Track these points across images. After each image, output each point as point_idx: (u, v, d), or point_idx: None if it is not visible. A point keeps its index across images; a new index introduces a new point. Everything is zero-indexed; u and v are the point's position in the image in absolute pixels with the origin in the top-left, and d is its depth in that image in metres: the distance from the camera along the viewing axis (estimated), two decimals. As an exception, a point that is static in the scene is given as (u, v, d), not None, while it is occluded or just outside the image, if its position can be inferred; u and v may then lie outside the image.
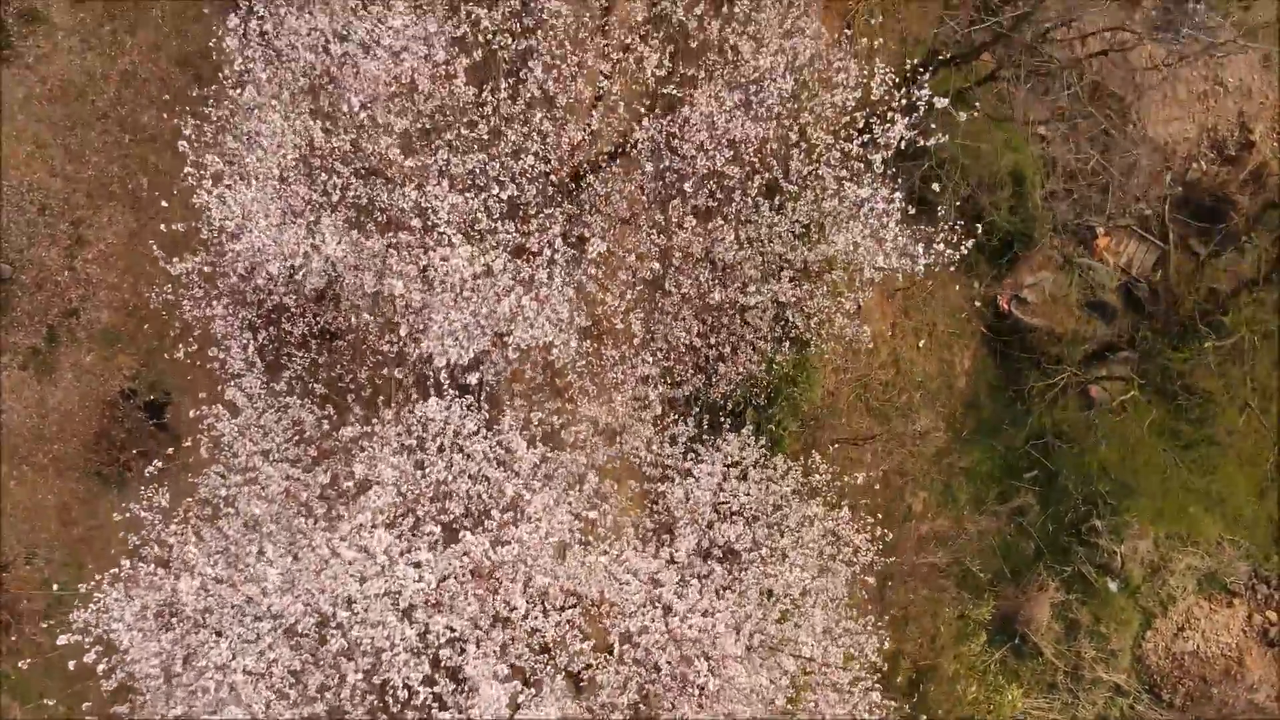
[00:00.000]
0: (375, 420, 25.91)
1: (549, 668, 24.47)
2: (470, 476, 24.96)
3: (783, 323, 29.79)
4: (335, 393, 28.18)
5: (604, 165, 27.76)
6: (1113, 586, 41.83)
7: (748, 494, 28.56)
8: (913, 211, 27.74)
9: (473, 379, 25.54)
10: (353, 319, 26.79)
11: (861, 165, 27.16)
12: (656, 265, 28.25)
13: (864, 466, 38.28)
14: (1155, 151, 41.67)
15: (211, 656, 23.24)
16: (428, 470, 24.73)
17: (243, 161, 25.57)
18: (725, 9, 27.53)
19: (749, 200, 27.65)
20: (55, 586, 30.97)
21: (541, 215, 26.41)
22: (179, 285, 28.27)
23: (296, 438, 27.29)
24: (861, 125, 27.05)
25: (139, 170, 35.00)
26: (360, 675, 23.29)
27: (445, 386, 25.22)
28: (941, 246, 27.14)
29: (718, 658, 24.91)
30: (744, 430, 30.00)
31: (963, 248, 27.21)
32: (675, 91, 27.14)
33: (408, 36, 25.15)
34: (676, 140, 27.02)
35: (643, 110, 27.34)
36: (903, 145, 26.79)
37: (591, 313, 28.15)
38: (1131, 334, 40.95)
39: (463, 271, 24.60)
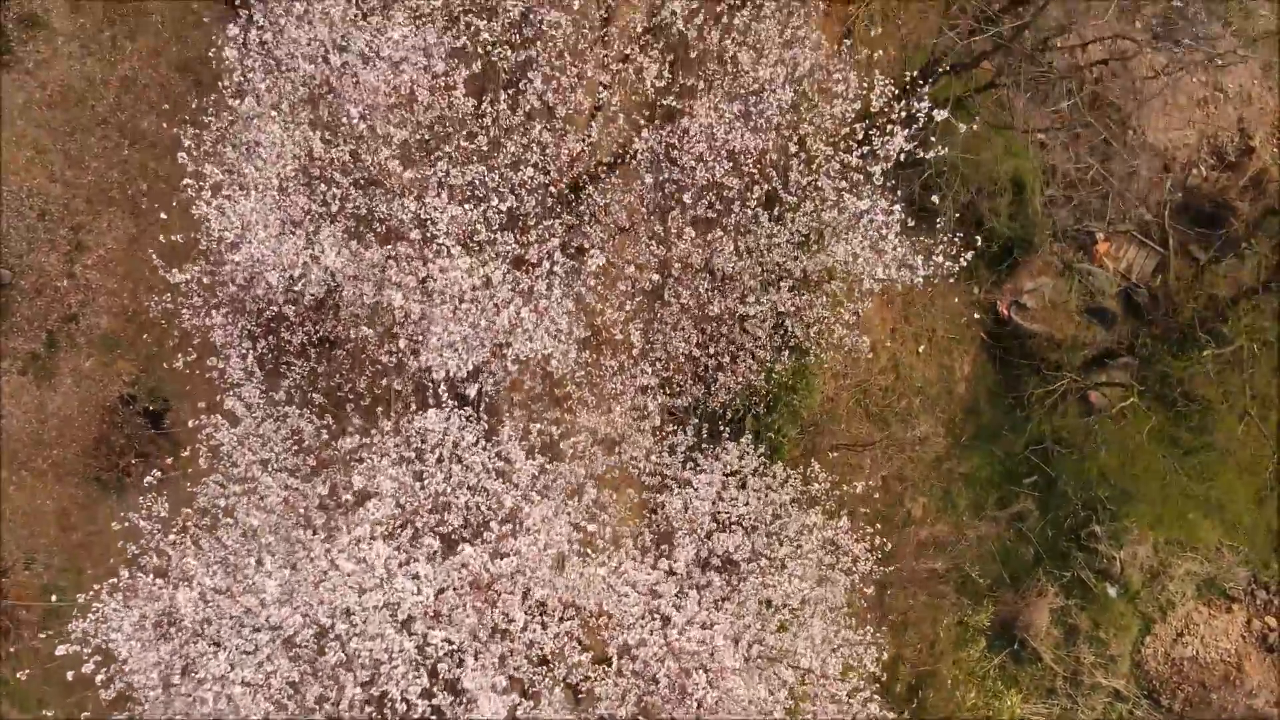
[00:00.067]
0: (374, 431, 25.89)
1: (547, 679, 24.46)
2: (469, 488, 24.94)
3: (782, 332, 29.79)
4: (334, 402, 28.15)
5: (603, 176, 27.74)
6: (1112, 592, 41.84)
7: (746, 504, 28.55)
8: (912, 224, 27.72)
9: (471, 390, 25.51)
10: (351, 332, 26.76)
11: (861, 177, 27.17)
12: (656, 276, 28.23)
13: (863, 472, 38.35)
14: (1155, 157, 41.65)
15: (210, 667, 23.21)
16: (426, 482, 24.71)
17: (242, 172, 25.54)
18: (725, 19, 27.51)
19: (748, 211, 27.63)
20: (54, 597, 30.93)
21: (541, 226, 26.40)
22: (178, 294, 28.25)
23: (295, 447, 27.27)
24: (861, 137, 27.06)
25: (139, 176, 35.01)
26: (359, 688, 23.27)
27: (444, 397, 25.19)
28: (941, 258, 27.17)
29: (716, 670, 24.88)
30: (743, 439, 29.99)
31: (962, 259, 27.25)
32: (675, 103, 27.13)
33: (407, 47, 25.12)
34: (676, 151, 27.01)
35: (642, 121, 27.34)
36: (901, 157, 26.78)
37: (590, 323, 28.14)
38: (1131, 340, 40.96)
39: (462, 283, 24.57)
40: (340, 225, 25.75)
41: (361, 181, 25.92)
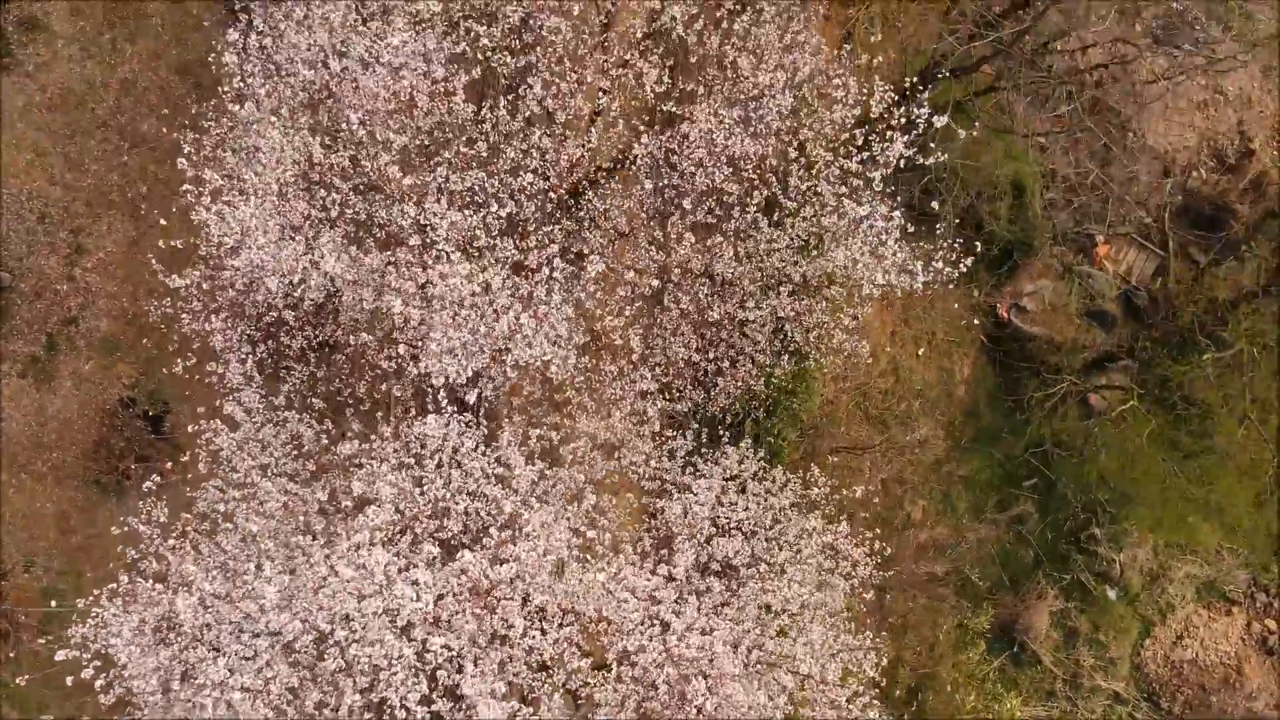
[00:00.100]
0: (374, 437, 25.88)
1: (547, 685, 24.46)
2: (468, 494, 24.93)
3: (782, 337, 29.78)
4: (334, 407, 28.15)
5: (603, 181, 27.73)
6: (1112, 595, 41.87)
7: (746, 509, 28.55)
8: (911, 229, 27.71)
9: (471, 396, 25.51)
10: (351, 338, 26.76)
11: (861, 182, 27.16)
12: (656, 282, 28.23)
13: (863, 476, 38.35)
14: (1155, 160, 41.66)
15: (209, 673, 23.22)
16: (426, 488, 24.70)
17: (241, 177, 25.54)
18: (725, 25, 27.49)
19: (748, 216, 27.62)
20: (54, 602, 30.91)
21: (540, 232, 26.39)
22: (178, 299, 28.26)
23: (295, 452, 27.27)
24: (861, 142, 27.05)
25: (138, 179, 35.01)
26: (358, 694, 23.27)
27: (444, 403, 25.18)
28: (940, 265, 27.16)
29: (715, 676, 24.88)
30: (743, 443, 29.99)
31: (962, 265, 27.24)
32: (674, 108, 27.12)
33: (407, 53, 25.11)
34: (675, 157, 27.00)
35: (641, 126, 27.33)
36: (901, 164, 26.78)
37: (590, 328, 28.15)
38: (1131, 343, 40.97)
39: (461, 289, 24.56)
40: (340, 230, 25.74)
41: (361, 187, 25.91)
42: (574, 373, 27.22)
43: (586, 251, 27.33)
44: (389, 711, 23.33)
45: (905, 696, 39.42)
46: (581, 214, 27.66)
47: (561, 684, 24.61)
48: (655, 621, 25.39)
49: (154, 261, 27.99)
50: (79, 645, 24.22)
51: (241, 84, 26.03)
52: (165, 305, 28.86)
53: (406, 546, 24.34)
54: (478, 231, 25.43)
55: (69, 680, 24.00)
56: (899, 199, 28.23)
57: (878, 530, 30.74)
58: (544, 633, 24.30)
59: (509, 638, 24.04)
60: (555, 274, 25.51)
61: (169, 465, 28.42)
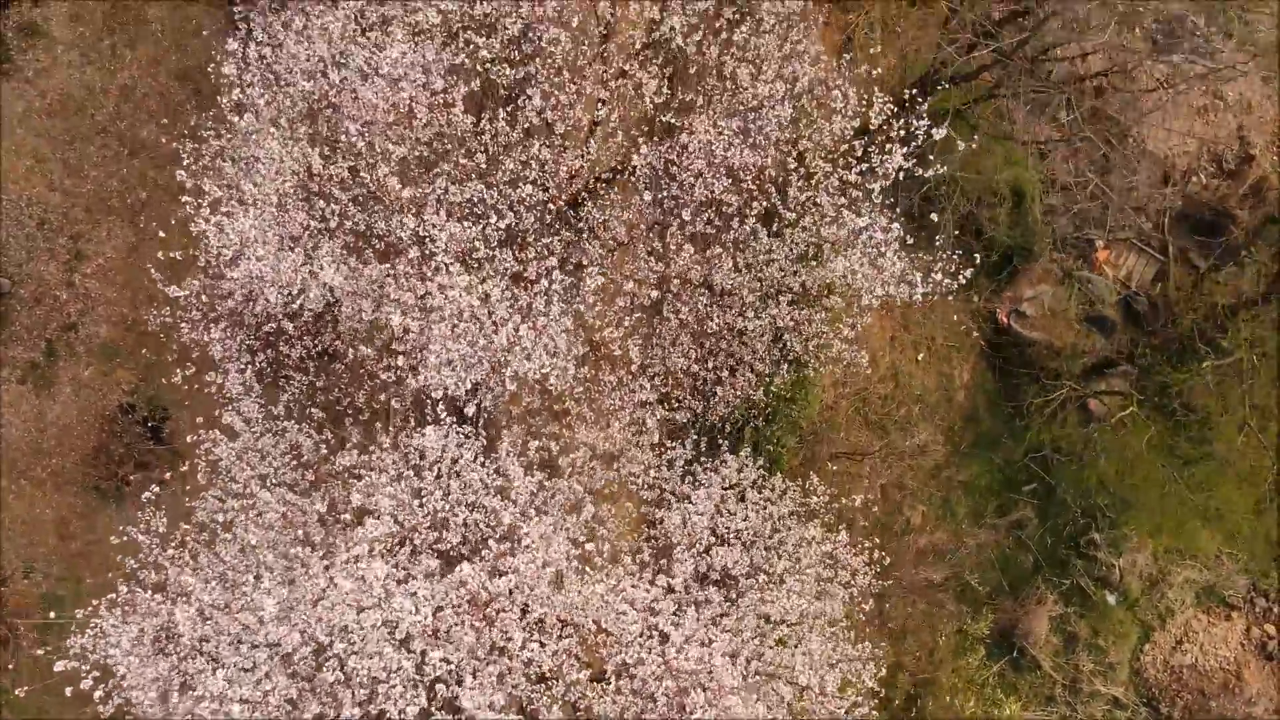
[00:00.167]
0: (373, 448, 25.89)
1: (545, 698, 24.45)
2: (467, 505, 24.93)
3: (780, 346, 29.79)
4: (333, 416, 28.16)
5: (602, 192, 27.72)
6: (1111, 599, 41.87)
7: (745, 519, 28.56)
8: (911, 241, 27.70)
9: (470, 408, 25.50)
10: (350, 352, 26.76)
11: (860, 193, 27.16)
12: (655, 292, 28.22)
13: (862, 482, 38.36)
14: (1155, 166, 41.64)
15: (208, 684, 23.22)
16: (425, 499, 24.70)
17: (240, 188, 25.54)
18: (724, 35, 27.49)
19: (746, 227, 27.63)
20: (52, 613, 30.93)
21: (539, 243, 26.39)
22: (177, 308, 28.27)
23: (294, 462, 27.28)
24: (860, 154, 27.05)
25: (138, 185, 35.00)
26: (357, 707, 23.27)
27: (442, 414, 25.18)
28: (940, 276, 27.17)
29: (714, 688, 24.87)
30: (742, 452, 30.01)
31: (961, 276, 27.25)
32: (673, 119, 27.11)
33: (406, 64, 25.10)
34: (675, 168, 26.99)
35: (640, 136, 27.32)
36: (900, 175, 26.79)
37: (589, 339, 28.15)
38: (1131, 349, 40.96)
39: (460, 301, 24.56)
40: (339, 241, 25.74)
41: (360, 198, 25.91)
42: (573, 383, 27.22)
43: (585, 263, 27.32)
44: (388, 724, 23.36)
45: (904, 702, 39.41)
46: (580, 225, 27.65)
47: (560, 696, 24.60)
48: (654, 633, 25.39)
49: (153, 271, 27.97)
50: (78, 656, 24.25)
51: (241, 94, 26.04)
52: (164, 314, 28.89)
53: (405, 558, 24.34)
54: (477, 243, 25.43)
55: (68, 691, 24.02)
56: (898, 209, 28.22)
57: (877, 540, 30.72)
58: (543, 645, 24.29)
59: (507, 649, 24.03)
60: (554, 285, 25.51)
61: (169, 475, 28.42)
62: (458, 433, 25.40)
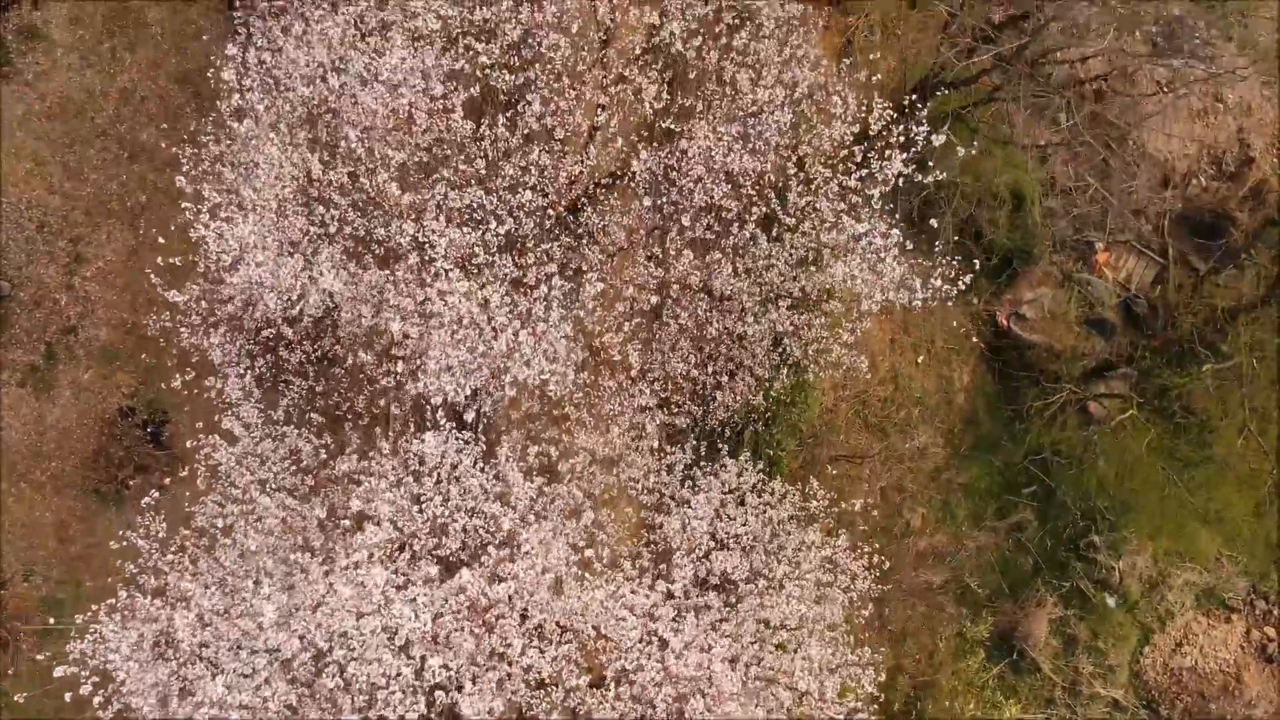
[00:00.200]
0: (372, 454, 25.88)
1: (545, 704, 24.45)
2: (467, 511, 24.93)
3: (780, 350, 29.79)
4: (332, 421, 28.16)
5: (601, 197, 27.73)
6: (1111, 602, 41.82)
7: (745, 524, 28.56)
8: (910, 246, 27.70)
9: (470, 415, 25.50)
10: (349, 358, 26.75)
11: (860, 199, 27.16)
12: (654, 298, 28.22)
13: (862, 485, 38.36)
14: (1155, 168, 41.61)
15: (208, 690, 23.26)
16: (424, 505, 24.71)
17: (240, 193, 25.55)
18: (724, 40, 27.49)
19: (746, 232, 27.63)
20: (51, 620, 30.97)
21: (539, 249, 26.39)
22: (176, 312, 28.28)
23: (293, 467, 27.28)
24: (860, 159, 27.06)
25: (138, 188, 35.00)
26: (356, 713, 23.28)
27: (441, 420, 25.18)
28: (939, 282, 27.17)
29: (713, 695, 24.88)
30: (742, 456, 30.01)
31: (961, 282, 27.25)
32: (673, 125, 27.12)
33: (405, 70, 25.09)
34: (674, 173, 26.99)
35: (639, 142, 27.33)
36: (900, 182, 26.79)
37: (589, 344, 28.14)
38: (1130, 352, 40.93)
39: (460, 307, 24.56)
40: (339, 247, 25.74)
41: (360, 203, 25.91)
42: (572, 389, 27.22)
43: (585, 268, 27.32)
44: (387, 730, 23.37)
45: (904, 705, 39.40)
46: (580, 230, 27.65)
47: (560, 702, 24.61)
48: (653, 638, 25.39)
49: (153, 276, 27.98)
50: (77, 661, 24.28)
51: (240, 100, 26.04)
52: (164, 319, 28.89)
53: (405, 564, 24.35)
54: (476, 249, 25.43)
55: (67, 697, 24.07)
56: (897, 215, 28.20)
57: (877, 546, 30.70)
58: (542, 651, 24.31)
59: (507, 655, 24.04)
60: (553, 291, 25.50)
61: (168, 480, 28.44)
62: (457, 438, 25.39)
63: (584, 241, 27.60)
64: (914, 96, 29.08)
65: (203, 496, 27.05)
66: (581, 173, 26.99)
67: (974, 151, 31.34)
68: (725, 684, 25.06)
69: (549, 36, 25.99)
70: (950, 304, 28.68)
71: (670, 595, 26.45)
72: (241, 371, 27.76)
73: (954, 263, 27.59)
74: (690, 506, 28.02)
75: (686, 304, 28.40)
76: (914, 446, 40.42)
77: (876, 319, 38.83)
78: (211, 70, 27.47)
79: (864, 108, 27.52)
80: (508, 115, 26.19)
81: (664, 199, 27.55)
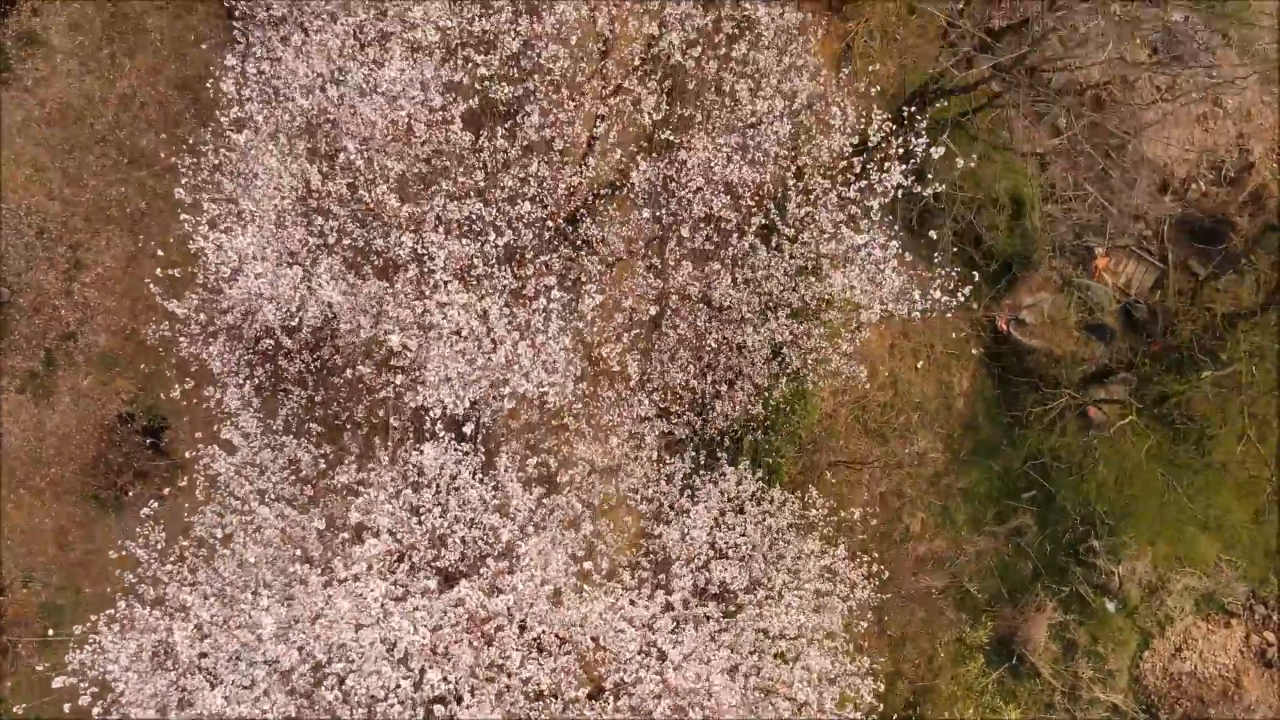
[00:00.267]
0: (371, 465, 25.89)
1: (544, 716, 24.43)
2: (466, 523, 24.93)
3: (779, 359, 29.79)
4: (331, 430, 28.14)
5: (600, 208, 27.72)
6: (1110, 607, 41.82)
7: (744, 534, 28.56)
8: (910, 257, 27.70)
9: (469, 428, 25.48)
10: (348, 372, 26.74)
11: (859, 210, 27.16)
12: (654, 309, 28.22)
13: (861, 490, 38.35)
14: (1154, 173, 41.58)
15: (206, 702, 23.25)
16: (423, 518, 24.70)
17: (239, 204, 25.55)
18: (724, 50, 27.48)
19: (745, 243, 27.62)
20: (50, 631, 30.97)
21: (538, 260, 26.38)
22: (175, 322, 28.27)
23: (293, 476, 27.28)
24: (859, 170, 27.05)
25: (137, 194, 34.96)
26: (355, 726, 23.31)
27: (440, 431, 25.17)
28: (938, 293, 27.15)
29: (712, 707, 24.87)
30: (741, 464, 30.01)
31: (960, 294, 27.23)
32: (671, 136, 27.12)
33: (404, 81, 25.07)
34: (674, 184, 26.99)
35: (638, 152, 27.33)
36: (899, 195, 26.78)
37: (588, 354, 28.14)
38: (1130, 357, 40.90)
39: (459, 318, 24.56)
40: (338, 258, 25.73)
41: (359, 214, 25.90)
42: (571, 399, 27.21)
43: (584, 279, 27.32)
44: (386, 743, 23.35)
45: (904, 710, 39.40)
46: (579, 241, 27.65)
47: (559, 714, 24.59)
48: (653, 649, 25.38)
49: (151, 286, 27.97)
50: (76, 672, 24.28)
51: (239, 110, 26.03)
52: (163, 329, 28.88)
53: (404, 575, 24.35)
54: (475, 260, 25.41)
55: (66, 707, 24.10)
56: (897, 226, 28.18)
57: (875, 555, 30.72)
58: (541, 663, 24.29)
59: (506, 667, 24.03)
60: (552, 303, 25.48)
61: (166, 491, 28.44)
62: (456, 449, 25.39)
63: (583, 253, 27.58)
64: (913, 108, 29.03)
65: (202, 506, 27.07)
66: (580, 184, 26.99)
67: (973, 164, 31.36)
68: (725, 696, 25.05)
69: (548, 48, 26.00)
70: (949, 313, 28.60)
71: (669, 607, 26.45)
72: (240, 381, 27.76)
73: (953, 274, 27.59)
74: (689, 516, 28.02)
75: (686, 314, 28.40)
76: (913, 452, 40.41)
77: (876, 326, 38.85)
78: (210, 81, 27.46)
79: (863, 119, 27.52)
80: (507, 126, 26.20)
81: (663, 210, 27.55)
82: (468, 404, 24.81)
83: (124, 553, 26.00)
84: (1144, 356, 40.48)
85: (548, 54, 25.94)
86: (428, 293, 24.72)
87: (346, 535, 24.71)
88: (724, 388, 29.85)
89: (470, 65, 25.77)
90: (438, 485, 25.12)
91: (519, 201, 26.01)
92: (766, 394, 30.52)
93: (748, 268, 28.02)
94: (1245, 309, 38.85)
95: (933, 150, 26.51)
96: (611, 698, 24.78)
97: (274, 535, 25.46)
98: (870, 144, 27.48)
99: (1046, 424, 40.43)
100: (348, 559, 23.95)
